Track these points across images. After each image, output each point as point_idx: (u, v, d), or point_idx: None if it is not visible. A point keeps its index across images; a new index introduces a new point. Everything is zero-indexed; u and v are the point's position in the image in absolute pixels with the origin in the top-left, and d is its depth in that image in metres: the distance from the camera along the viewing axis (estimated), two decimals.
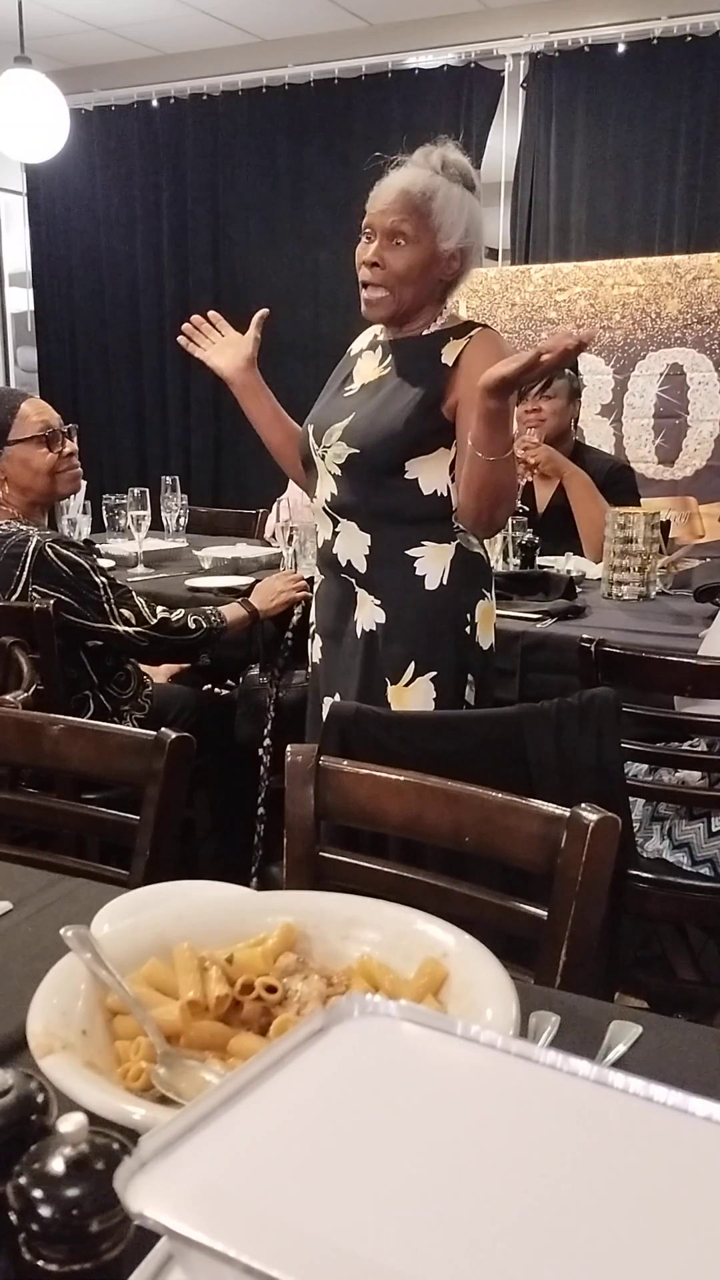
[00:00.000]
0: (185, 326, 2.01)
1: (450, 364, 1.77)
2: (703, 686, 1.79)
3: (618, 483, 2.97)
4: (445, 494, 1.80)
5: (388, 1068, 0.48)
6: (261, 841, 2.35)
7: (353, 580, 1.86)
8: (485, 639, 1.88)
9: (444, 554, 1.82)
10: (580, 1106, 0.45)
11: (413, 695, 1.82)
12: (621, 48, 4.27)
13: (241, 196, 5.10)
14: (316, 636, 1.98)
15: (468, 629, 1.84)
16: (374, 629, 1.84)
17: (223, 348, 2.00)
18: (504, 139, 4.57)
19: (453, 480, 1.78)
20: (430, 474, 1.79)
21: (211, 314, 2.02)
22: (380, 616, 1.84)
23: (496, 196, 4.73)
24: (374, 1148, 0.43)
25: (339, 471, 1.83)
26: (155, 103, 5.17)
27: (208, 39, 4.84)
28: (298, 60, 4.79)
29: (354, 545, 1.84)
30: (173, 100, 5.14)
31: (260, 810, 2.35)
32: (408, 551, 1.81)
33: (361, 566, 1.84)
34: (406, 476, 1.79)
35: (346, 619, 1.88)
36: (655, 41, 4.23)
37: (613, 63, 4.31)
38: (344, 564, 1.86)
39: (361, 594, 1.86)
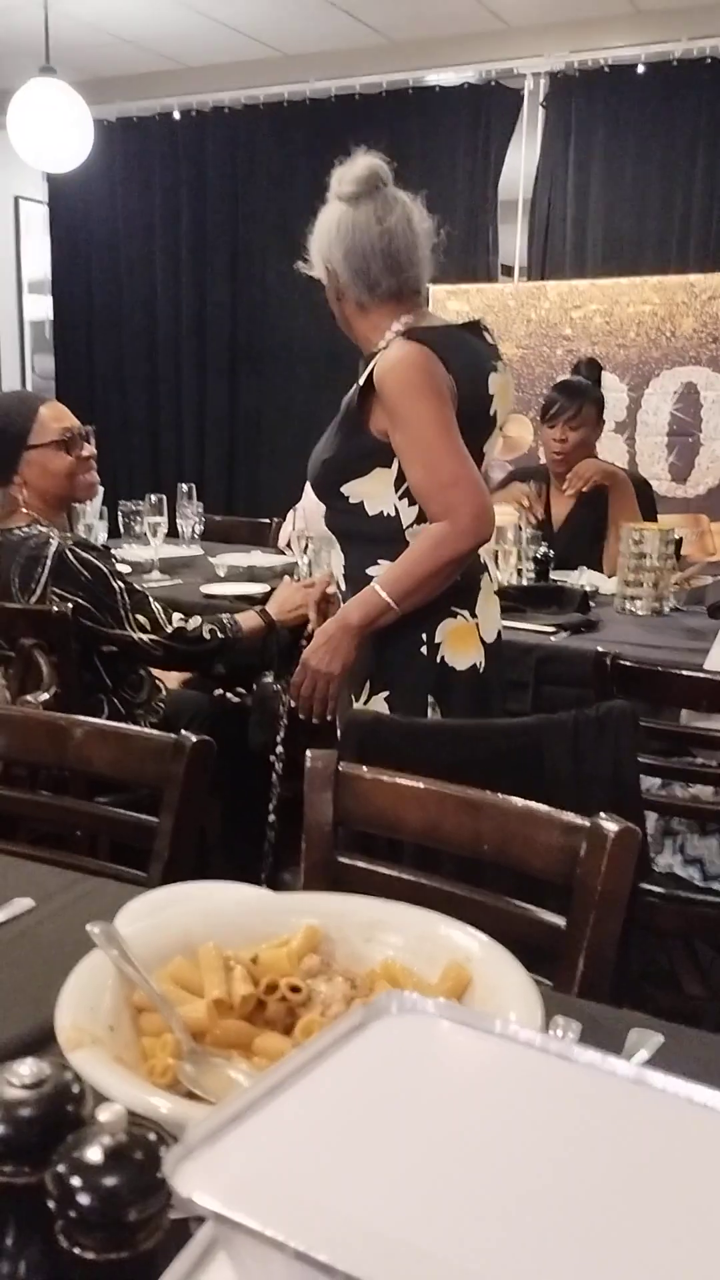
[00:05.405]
0: None
1: (366, 382, 1.72)
2: (718, 702, 1.79)
3: (639, 498, 2.98)
4: (393, 514, 1.76)
5: (426, 1062, 0.48)
6: (272, 849, 2.35)
7: (340, 596, 1.91)
8: (457, 660, 1.79)
9: None
10: (620, 1105, 0.45)
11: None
12: (641, 68, 4.30)
13: (261, 209, 5.13)
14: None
15: (424, 649, 1.78)
16: None
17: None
18: (523, 157, 4.60)
19: (399, 498, 1.75)
20: (374, 496, 1.77)
21: None
22: None
23: (514, 213, 4.76)
24: (415, 1139, 0.43)
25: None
26: (177, 115, 5.20)
27: (230, 53, 4.88)
28: (319, 75, 4.82)
29: (337, 563, 1.90)
30: (194, 113, 5.18)
31: (271, 818, 2.35)
32: (368, 571, 1.80)
33: (343, 584, 1.89)
34: (350, 500, 1.79)
35: None
36: (675, 63, 4.25)
37: (632, 83, 4.33)
38: (339, 580, 1.92)
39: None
